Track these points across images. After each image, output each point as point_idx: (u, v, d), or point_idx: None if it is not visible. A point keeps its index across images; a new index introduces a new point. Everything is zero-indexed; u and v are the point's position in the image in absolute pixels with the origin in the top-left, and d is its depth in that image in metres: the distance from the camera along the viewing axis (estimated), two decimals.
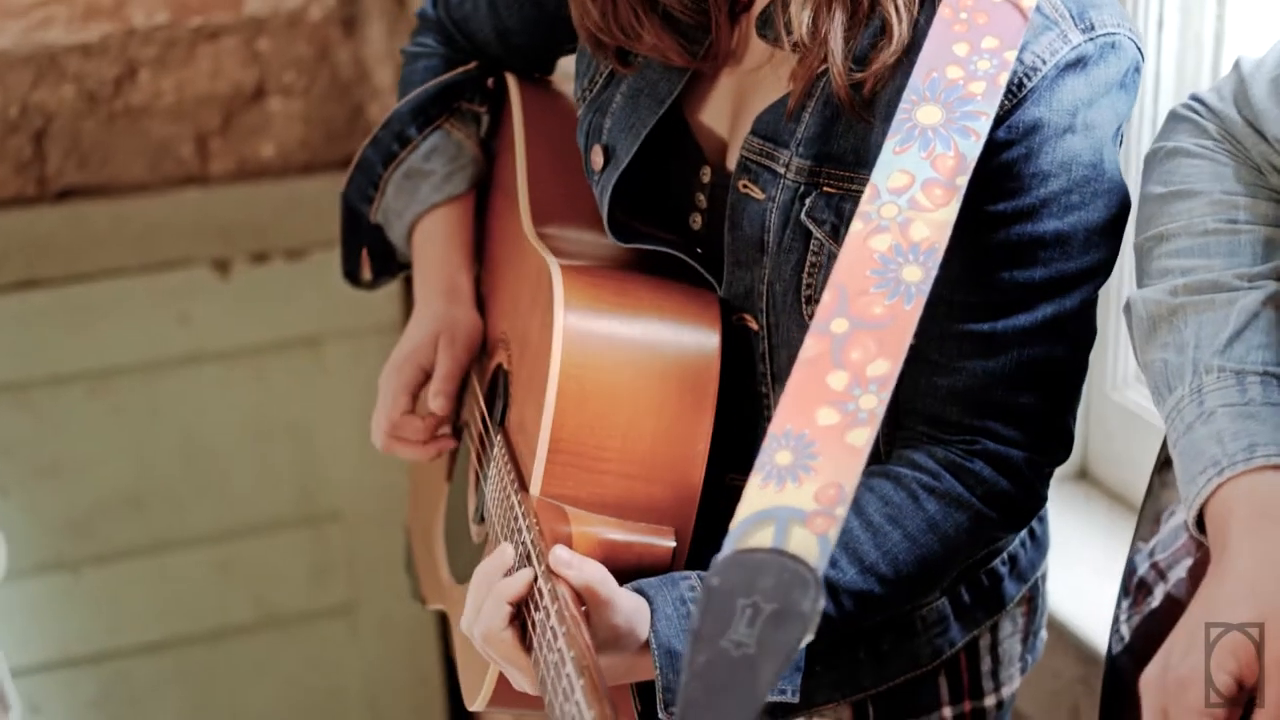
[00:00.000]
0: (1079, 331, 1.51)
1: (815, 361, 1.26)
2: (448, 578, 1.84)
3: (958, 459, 1.49)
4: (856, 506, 1.43)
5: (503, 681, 1.56)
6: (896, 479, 1.48)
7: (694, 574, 1.47)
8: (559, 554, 1.40)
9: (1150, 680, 1.27)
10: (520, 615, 1.41)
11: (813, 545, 1.16)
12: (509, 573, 1.45)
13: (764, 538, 1.17)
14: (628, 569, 1.50)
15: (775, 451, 1.22)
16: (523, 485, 1.56)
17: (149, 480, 3.30)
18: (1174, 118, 1.51)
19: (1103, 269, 1.50)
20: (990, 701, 1.71)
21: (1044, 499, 1.57)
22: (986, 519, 1.50)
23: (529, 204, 1.76)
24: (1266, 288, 1.36)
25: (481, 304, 1.87)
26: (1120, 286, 2.15)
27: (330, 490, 3.43)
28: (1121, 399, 2.21)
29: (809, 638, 1.12)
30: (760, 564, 1.15)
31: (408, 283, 3.31)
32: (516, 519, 1.51)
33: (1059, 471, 2.26)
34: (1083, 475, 2.30)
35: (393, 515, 3.42)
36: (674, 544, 1.52)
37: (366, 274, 1.99)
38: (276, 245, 3.25)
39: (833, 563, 1.38)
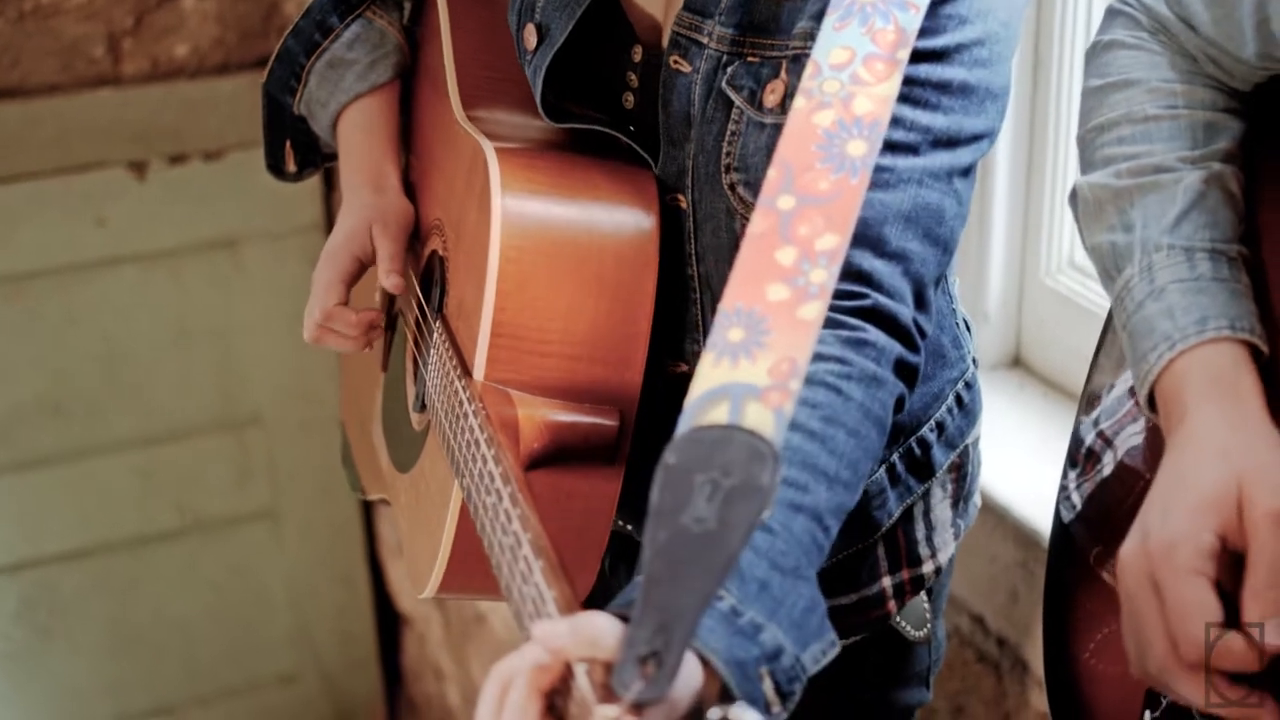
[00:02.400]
0: (963, 194, 1.51)
1: (763, 237, 1.26)
2: (388, 467, 1.83)
3: (851, 334, 1.44)
4: (790, 423, 1.42)
5: (453, 567, 1.55)
6: (809, 379, 1.42)
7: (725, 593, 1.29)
8: (549, 629, 1.19)
9: (1131, 552, 1.27)
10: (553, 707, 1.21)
11: (768, 420, 1.15)
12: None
13: (719, 414, 1.16)
14: (575, 449, 1.50)
15: (727, 329, 1.21)
16: (466, 371, 1.55)
17: (68, 386, 3.26)
18: (1110, 13, 1.53)
19: (988, 137, 1.51)
20: (928, 568, 1.72)
21: (921, 354, 1.53)
22: (899, 391, 1.50)
23: (458, 88, 1.74)
24: (1209, 168, 1.38)
25: (410, 193, 1.85)
26: (1054, 172, 2.16)
27: (251, 394, 3.41)
28: (1054, 285, 2.22)
29: (768, 511, 1.12)
30: (717, 440, 1.14)
31: (328, 183, 3.31)
32: (461, 404, 1.50)
33: (993, 358, 2.29)
34: (1016, 362, 2.31)
35: (314, 419, 3.41)
36: (618, 423, 1.53)
37: (290, 166, 1.96)
38: (193, 146, 3.21)
39: (803, 488, 1.36)
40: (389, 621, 3.75)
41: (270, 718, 3.69)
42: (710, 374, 1.19)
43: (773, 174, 1.28)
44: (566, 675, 1.18)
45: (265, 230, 3.29)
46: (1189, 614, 1.22)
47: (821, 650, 1.33)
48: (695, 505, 1.12)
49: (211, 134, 3.21)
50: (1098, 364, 1.55)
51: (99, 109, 3.14)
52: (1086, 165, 1.47)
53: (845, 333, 1.44)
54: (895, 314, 1.46)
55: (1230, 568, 1.24)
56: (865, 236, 1.45)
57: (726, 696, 1.24)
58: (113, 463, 3.35)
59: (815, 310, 1.21)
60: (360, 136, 1.86)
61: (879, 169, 1.44)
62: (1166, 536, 1.24)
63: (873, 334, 1.45)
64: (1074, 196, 1.46)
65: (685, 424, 1.16)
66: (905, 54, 1.34)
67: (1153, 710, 1.35)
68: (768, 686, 1.23)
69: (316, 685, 3.71)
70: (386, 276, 1.76)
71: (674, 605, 1.09)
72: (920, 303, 1.49)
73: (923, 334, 1.50)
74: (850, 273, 1.45)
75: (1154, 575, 1.24)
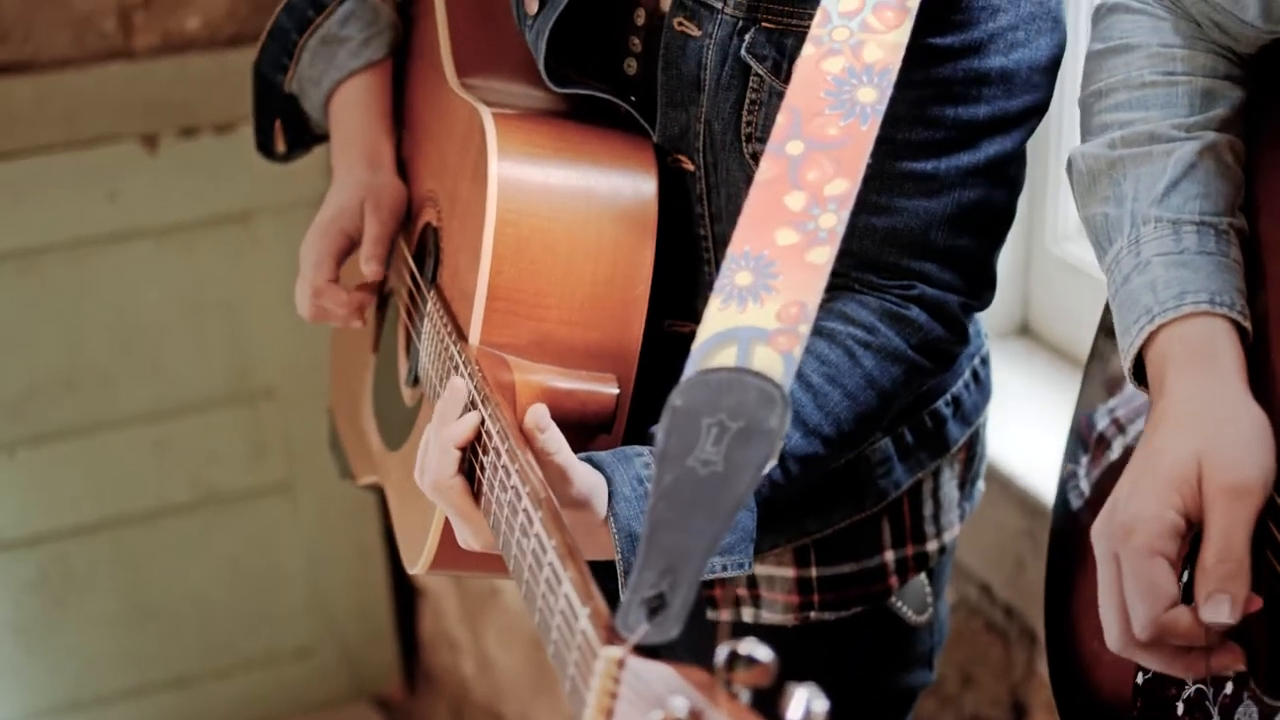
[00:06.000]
0: (1016, 174, 1.51)
1: (772, 183, 1.25)
2: (379, 447, 1.82)
3: (894, 307, 1.47)
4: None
5: (444, 545, 1.54)
6: (830, 336, 1.46)
7: (646, 450, 1.44)
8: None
9: (1098, 530, 1.28)
10: (469, 462, 1.38)
11: (777, 363, 1.15)
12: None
13: (727, 357, 1.16)
14: (571, 417, 1.49)
15: (735, 273, 1.21)
16: (461, 336, 1.54)
17: (81, 360, 3.26)
18: None
19: (1040, 109, 1.50)
20: (933, 546, 1.72)
21: (969, 340, 1.56)
22: (921, 368, 1.50)
23: (453, 58, 1.73)
24: (1204, 138, 1.37)
25: (402, 169, 1.84)
26: (1060, 138, 2.14)
27: (264, 367, 3.41)
28: (1062, 253, 2.21)
29: (774, 458, 1.12)
30: (724, 383, 1.14)
31: None
32: (457, 368, 1.49)
33: (1000, 326, 2.28)
34: (1024, 330, 2.30)
35: (328, 391, 3.40)
36: (617, 390, 1.52)
37: (280, 146, 1.94)
38: (205, 119, 3.20)
39: None
40: (405, 594, 3.75)
41: (287, 690, 3.69)
42: (717, 318, 1.19)
43: (781, 120, 1.28)
44: (480, 435, 1.31)
45: (277, 203, 3.28)
46: (1142, 594, 1.22)
47: (724, 565, 1.40)
48: (702, 448, 1.11)
49: (223, 107, 3.20)
50: (1100, 350, 1.54)
51: (110, 83, 3.14)
52: (1085, 131, 1.47)
53: (888, 304, 1.46)
54: (942, 301, 1.48)
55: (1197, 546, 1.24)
56: (912, 245, 1.46)
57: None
58: (126, 436, 3.35)
59: (825, 255, 1.21)
60: (353, 114, 1.85)
61: (920, 176, 1.44)
62: (1130, 514, 1.24)
63: (914, 313, 1.47)
64: (1070, 166, 1.45)
65: (692, 367, 1.17)
66: (915, 2, 1.33)
67: (1144, 672, 1.35)
68: None
69: (333, 657, 3.71)
70: (366, 262, 1.74)
71: (680, 548, 1.08)
72: (976, 278, 1.52)
73: (972, 310, 1.53)
74: (901, 270, 1.47)
75: (1117, 554, 1.24)
